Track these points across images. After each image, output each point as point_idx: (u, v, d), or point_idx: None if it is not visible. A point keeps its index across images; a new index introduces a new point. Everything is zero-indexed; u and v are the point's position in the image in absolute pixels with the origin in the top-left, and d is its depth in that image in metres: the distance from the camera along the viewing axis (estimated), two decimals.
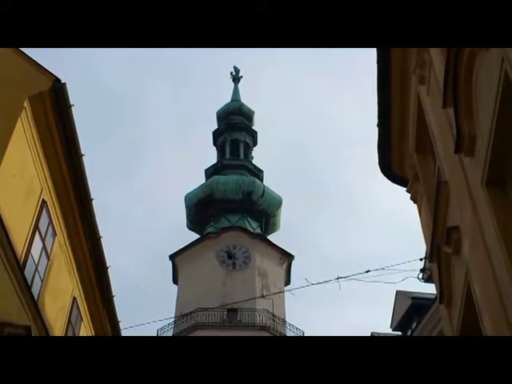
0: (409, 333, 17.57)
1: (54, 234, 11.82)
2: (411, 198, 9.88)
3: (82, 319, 14.33)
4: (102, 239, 13.29)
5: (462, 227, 6.39)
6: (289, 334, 33.49)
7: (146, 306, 74.73)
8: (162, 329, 33.54)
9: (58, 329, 12.41)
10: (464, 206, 6.10)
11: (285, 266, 37.69)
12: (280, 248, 37.73)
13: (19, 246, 9.90)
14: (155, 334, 33.29)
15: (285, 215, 59.11)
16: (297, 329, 34.13)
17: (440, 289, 8.06)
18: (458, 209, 6.53)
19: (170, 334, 33.51)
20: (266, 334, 31.87)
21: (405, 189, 10.08)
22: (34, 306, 10.66)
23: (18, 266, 9.73)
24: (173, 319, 33.47)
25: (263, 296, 29.07)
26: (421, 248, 9.90)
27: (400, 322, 18.71)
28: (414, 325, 17.03)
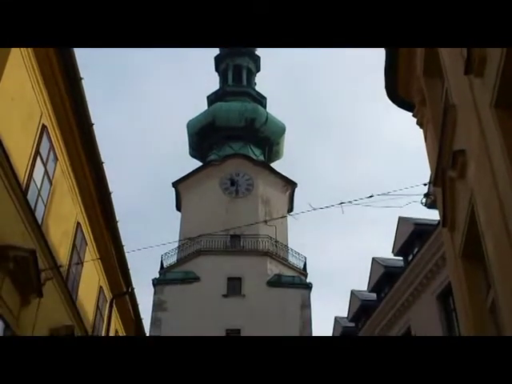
0: (410, 257, 17.82)
1: (56, 159, 11.76)
2: (417, 123, 9.75)
3: (86, 244, 14.51)
4: (104, 165, 13.28)
5: (469, 151, 6.29)
6: (291, 259, 34.15)
7: (150, 232, 75.84)
8: (166, 254, 34.17)
9: (62, 253, 12.56)
10: (471, 129, 5.98)
11: (288, 193, 37.94)
12: (283, 176, 37.87)
13: (21, 170, 9.85)
14: (159, 259, 34.01)
15: (288, 143, 59.05)
16: (299, 254, 34.79)
17: (443, 213, 8.05)
18: (465, 132, 6.41)
19: (174, 259, 34.15)
20: (268, 259, 32.50)
21: (411, 114, 9.92)
22: (38, 230, 10.73)
23: (20, 190, 9.71)
24: (177, 244, 34.04)
25: (265, 221, 29.36)
26: (425, 174, 9.87)
27: (402, 248, 18.99)
28: (416, 250, 17.27)
